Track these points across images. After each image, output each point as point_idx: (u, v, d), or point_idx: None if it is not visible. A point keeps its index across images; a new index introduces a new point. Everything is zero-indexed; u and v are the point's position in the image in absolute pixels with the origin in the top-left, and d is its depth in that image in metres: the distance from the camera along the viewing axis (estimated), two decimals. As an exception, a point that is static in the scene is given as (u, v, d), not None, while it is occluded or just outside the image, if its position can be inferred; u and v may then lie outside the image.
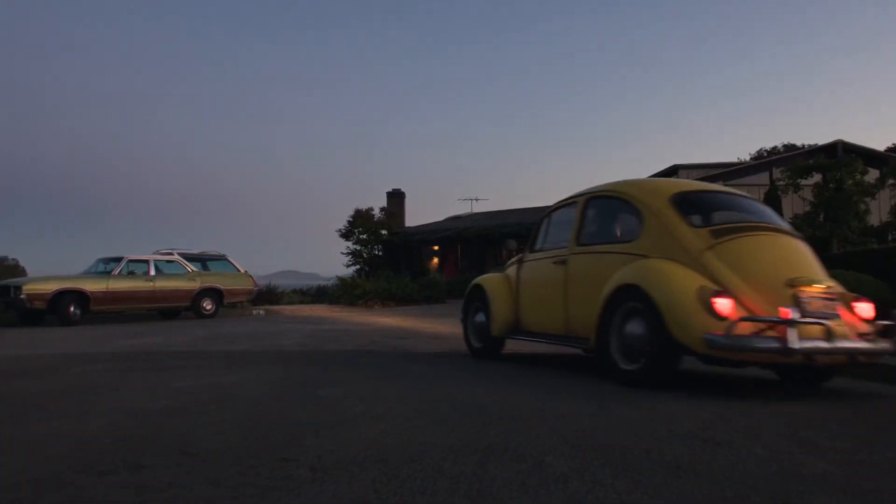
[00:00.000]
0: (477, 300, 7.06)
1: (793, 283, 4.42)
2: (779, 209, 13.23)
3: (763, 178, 18.37)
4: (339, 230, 33.82)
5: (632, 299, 4.74)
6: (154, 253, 15.94)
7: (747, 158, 29.87)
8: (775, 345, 4.09)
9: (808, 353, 4.14)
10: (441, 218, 39.46)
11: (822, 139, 17.86)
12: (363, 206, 34.22)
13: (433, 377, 5.50)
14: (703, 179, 18.20)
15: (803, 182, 14.76)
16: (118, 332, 11.40)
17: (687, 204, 5.15)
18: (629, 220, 5.32)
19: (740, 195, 5.61)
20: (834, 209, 11.88)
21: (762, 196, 18.03)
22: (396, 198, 36.11)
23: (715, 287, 4.39)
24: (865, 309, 4.63)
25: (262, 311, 19.29)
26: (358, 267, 33.87)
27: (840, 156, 18.00)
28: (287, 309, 20.79)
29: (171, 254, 15.84)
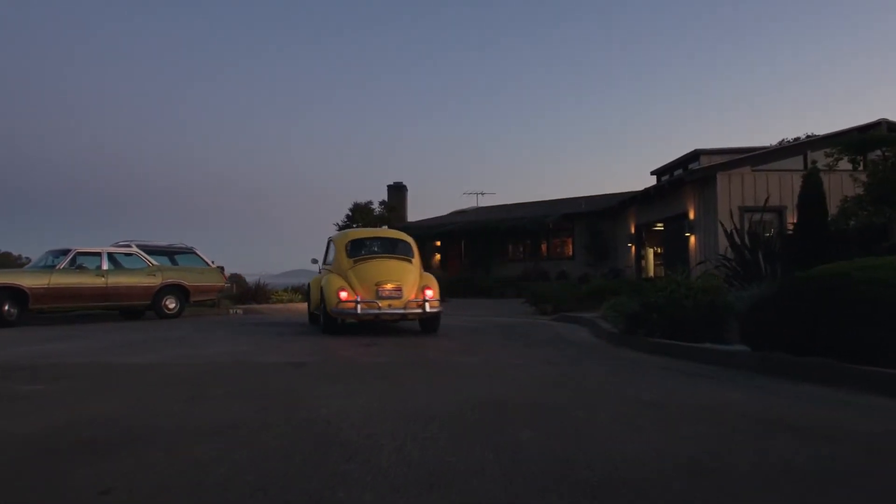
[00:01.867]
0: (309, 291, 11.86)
1: (377, 283, 9.34)
2: (820, 193, 11.27)
3: (796, 162, 16.38)
4: (337, 224, 32.14)
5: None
6: (113, 245, 14.27)
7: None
8: (351, 311, 9.15)
9: (370, 316, 9.25)
10: (445, 212, 37.69)
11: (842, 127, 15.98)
12: (363, 200, 32.54)
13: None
14: (727, 164, 16.26)
15: (843, 164, 12.83)
16: (35, 336, 9.72)
17: (351, 244, 10.10)
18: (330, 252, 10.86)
19: (385, 237, 10.95)
20: (891, 191, 9.93)
21: (801, 180, 16.06)
22: (398, 191, 34.35)
23: (342, 285, 9.38)
24: (427, 292, 9.44)
25: (239, 311, 17.59)
26: (357, 263, 32.22)
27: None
28: (270, 308, 19.07)
29: (130, 246, 14.14)
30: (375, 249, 10.19)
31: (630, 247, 23.17)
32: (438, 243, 31.33)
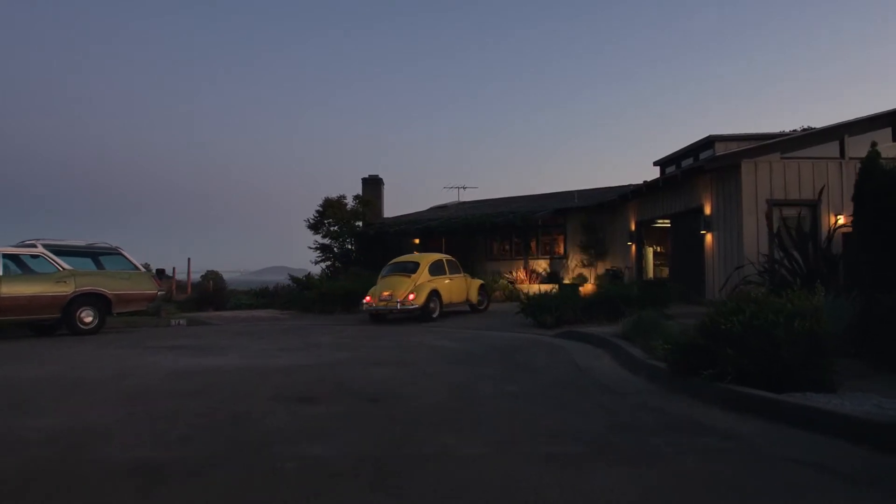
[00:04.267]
0: None
1: (382, 292, 14.25)
2: (880, 183, 8.99)
3: (830, 149, 14.13)
4: (307, 221, 29.48)
5: None
6: (17, 245, 11.61)
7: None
8: (375, 309, 14.32)
9: (382, 311, 14.28)
10: (424, 208, 35.23)
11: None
12: (335, 195, 29.91)
13: None
14: (753, 150, 13.97)
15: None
16: None
17: (385, 269, 15.57)
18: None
19: (404, 261, 15.82)
20: None
21: (856, 169, 13.86)
22: (373, 185, 31.74)
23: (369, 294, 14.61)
24: (410, 297, 13.85)
25: (182, 321, 14.98)
26: (329, 263, 29.59)
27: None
28: (221, 316, 16.46)
29: (35, 246, 11.48)
30: (393, 271, 15.23)
31: (630, 245, 20.88)
32: (417, 241, 28.83)
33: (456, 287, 15.49)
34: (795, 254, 9.97)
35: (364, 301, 14.40)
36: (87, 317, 11.52)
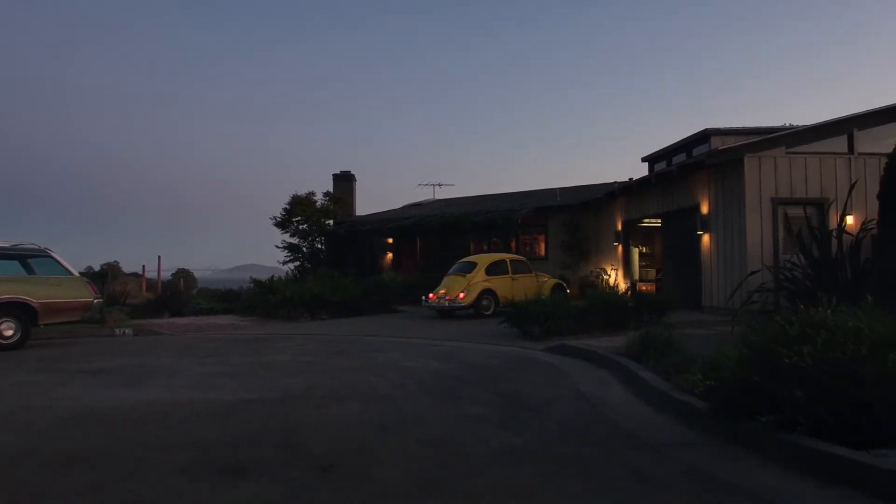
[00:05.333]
0: None
1: (439, 291, 15.54)
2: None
3: (837, 143, 13.08)
4: (273, 218, 27.91)
5: None
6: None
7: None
8: (441, 305, 15.30)
9: (441, 307, 15.27)
10: (399, 205, 33.84)
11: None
12: (303, 192, 28.39)
13: None
14: (757, 144, 12.86)
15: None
16: None
17: (452, 268, 16.57)
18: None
19: (465, 261, 16.56)
20: None
21: (865, 165, 12.85)
22: (345, 181, 30.24)
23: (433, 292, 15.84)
24: (461, 296, 15.08)
25: (129, 330, 13.43)
26: (298, 263, 28.05)
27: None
28: (175, 324, 14.92)
29: (-54, 248, 9.89)
30: (454, 270, 16.30)
31: (616, 246, 19.74)
32: (391, 241, 27.42)
33: (521, 286, 15.52)
34: (811, 257, 8.84)
35: (427, 297, 15.63)
36: (7, 330, 9.97)
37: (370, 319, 15.80)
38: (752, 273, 10.11)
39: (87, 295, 10.97)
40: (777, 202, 12.62)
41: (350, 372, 7.47)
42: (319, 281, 18.99)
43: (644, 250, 21.66)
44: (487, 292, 15.37)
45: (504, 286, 15.61)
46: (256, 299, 17.60)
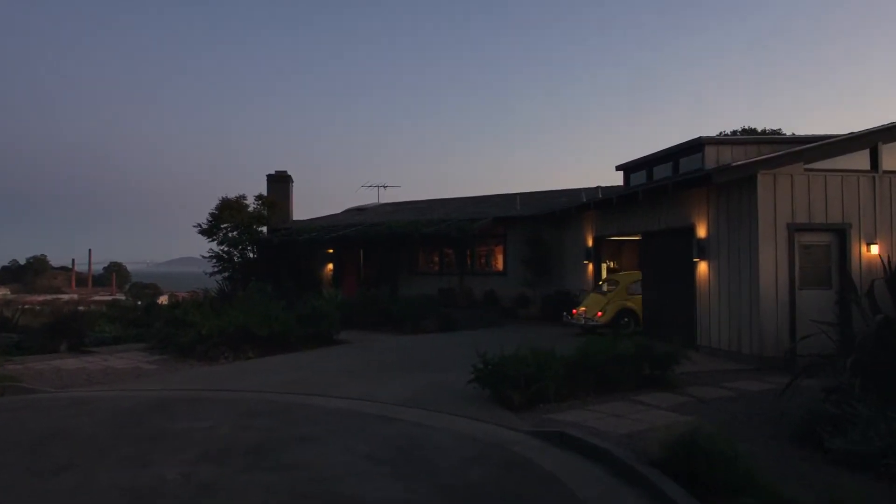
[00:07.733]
0: None
1: (581, 308, 15.65)
2: None
3: (859, 159, 11.17)
4: (198, 226, 24.80)
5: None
6: None
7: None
8: (580, 322, 15.23)
9: (584, 325, 15.02)
10: (340, 210, 31.10)
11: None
12: (234, 195, 25.39)
13: None
14: (775, 160, 10.82)
15: None
16: None
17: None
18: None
19: (612, 279, 16.30)
20: None
21: (891, 184, 10.98)
22: (280, 183, 27.32)
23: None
24: (598, 314, 14.95)
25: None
26: (227, 275, 25.01)
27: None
28: (59, 371, 11.92)
29: None
30: (597, 289, 16.65)
31: (586, 264, 17.62)
32: (331, 251, 24.72)
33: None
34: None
35: (572, 313, 15.81)
36: None
37: (304, 359, 13.20)
38: (803, 338, 7.97)
39: None
40: (794, 228, 10.64)
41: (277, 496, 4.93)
42: (247, 304, 16.21)
43: (612, 265, 19.68)
44: (626, 311, 15.12)
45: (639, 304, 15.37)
46: (170, 333, 14.68)
